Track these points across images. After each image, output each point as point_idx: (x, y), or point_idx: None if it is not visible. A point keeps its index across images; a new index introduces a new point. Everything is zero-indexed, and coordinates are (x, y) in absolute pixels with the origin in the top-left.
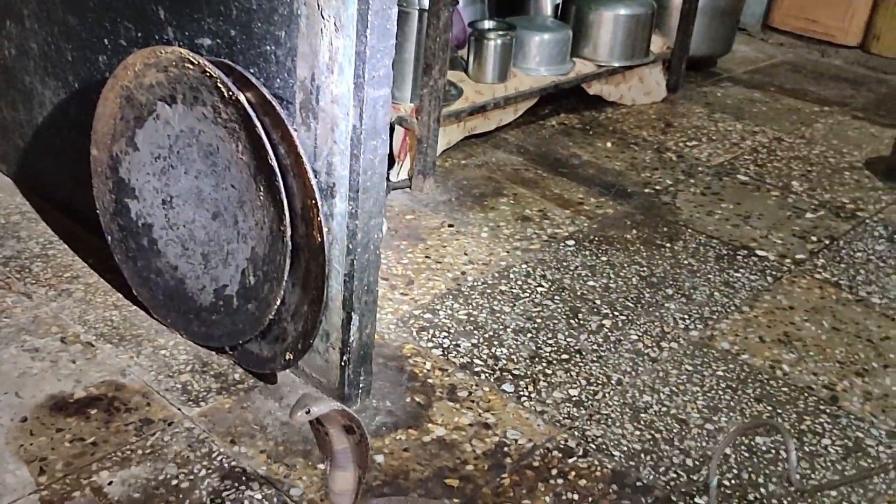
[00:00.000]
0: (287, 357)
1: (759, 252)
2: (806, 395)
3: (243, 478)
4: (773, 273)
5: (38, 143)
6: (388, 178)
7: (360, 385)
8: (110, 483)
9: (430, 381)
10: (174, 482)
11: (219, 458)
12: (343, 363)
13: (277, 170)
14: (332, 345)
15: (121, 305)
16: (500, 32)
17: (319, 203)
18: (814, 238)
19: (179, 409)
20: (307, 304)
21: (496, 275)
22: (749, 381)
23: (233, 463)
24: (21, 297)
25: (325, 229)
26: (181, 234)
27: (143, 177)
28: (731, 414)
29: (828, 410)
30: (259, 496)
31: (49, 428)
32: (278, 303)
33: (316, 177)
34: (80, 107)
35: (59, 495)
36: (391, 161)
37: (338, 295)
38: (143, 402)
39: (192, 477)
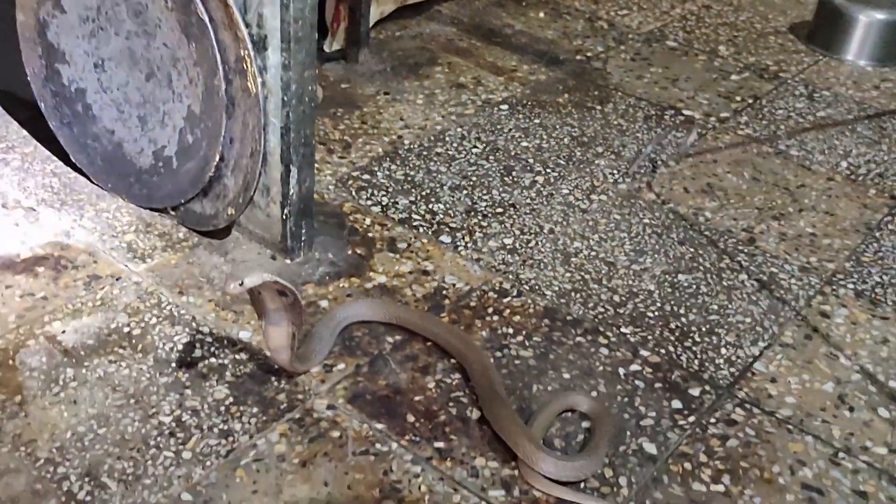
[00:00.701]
0: (229, 212)
1: (685, 112)
2: (726, 237)
3: (193, 324)
4: (698, 131)
5: None
6: (321, 49)
7: (303, 238)
8: (63, 332)
9: (370, 234)
10: (126, 329)
11: (168, 308)
12: (284, 216)
13: (208, 23)
14: (273, 199)
15: (60, 173)
16: None
17: (252, 55)
18: (738, 98)
19: (126, 266)
20: (246, 157)
21: (432, 138)
22: (673, 227)
23: (182, 311)
24: None
25: (259, 81)
26: (116, 98)
27: (73, 40)
28: (656, 256)
29: (745, 250)
30: (209, 340)
31: None
32: (217, 159)
33: (247, 28)
34: None
35: (13, 344)
36: (324, 31)
37: (275, 149)
38: (90, 260)
39: (143, 325)
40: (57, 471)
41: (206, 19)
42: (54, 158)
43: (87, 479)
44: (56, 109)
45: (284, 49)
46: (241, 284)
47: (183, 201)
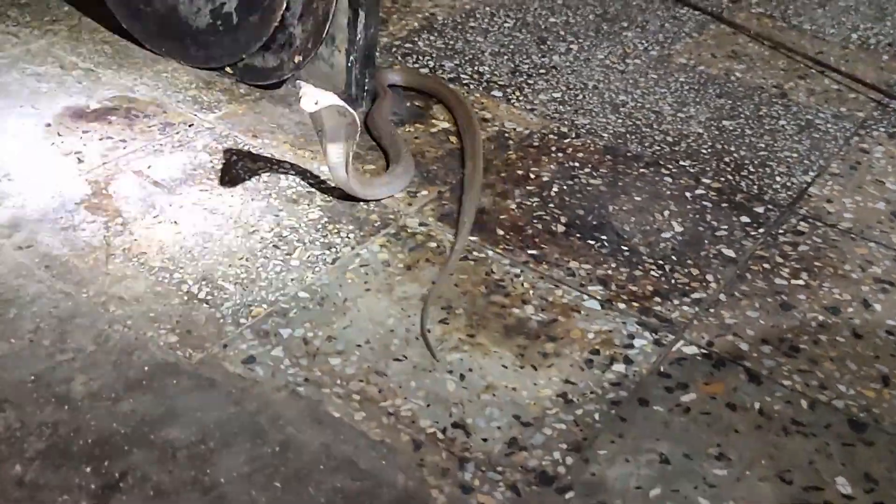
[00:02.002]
0: (296, 60)
1: None
2: (759, 92)
3: (273, 161)
4: (714, 8)
5: None
6: None
7: (366, 87)
8: (149, 167)
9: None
10: (209, 165)
11: (246, 147)
12: (349, 64)
13: None
14: (338, 47)
15: (110, 41)
16: None
17: None
18: None
19: (196, 115)
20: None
21: (463, 15)
22: (708, 84)
23: (260, 150)
24: (7, 36)
25: None
26: None
27: None
28: (698, 106)
29: (780, 102)
30: (293, 173)
31: (74, 131)
32: (283, 8)
33: None
34: None
35: (104, 178)
36: None
37: None
38: (160, 111)
39: (224, 161)
40: (173, 276)
41: None
42: (102, 29)
43: (203, 283)
44: None
45: None
46: (317, 104)
47: (244, 56)
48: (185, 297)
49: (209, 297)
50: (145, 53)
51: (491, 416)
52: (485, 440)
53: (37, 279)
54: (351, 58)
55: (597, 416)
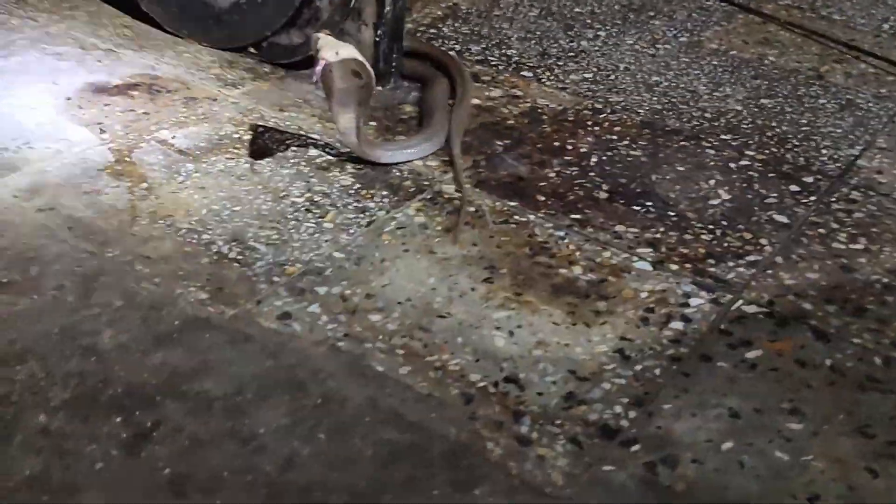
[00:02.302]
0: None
1: None
2: (795, 74)
3: (301, 132)
4: (740, 1)
5: None
6: None
7: (394, 62)
8: (173, 137)
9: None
10: (235, 136)
11: (272, 121)
12: (377, 38)
13: None
14: (365, 21)
15: (130, 25)
16: None
17: None
18: None
19: (220, 91)
20: None
21: (487, 5)
22: (742, 67)
23: (287, 123)
24: (26, 20)
25: None
26: None
27: None
28: (734, 87)
29: (817, 83)
30: (321, 143)
31: (96, 104)
32: None
33: None
34: None
35: (126, 146)
36: None
37: None
38: (183, 87)
39: (250, 132)
40: (202, 238)
41: None
42: (121, 13)
43: (234, 243)
44: None
45: None
46: (337, 54)
47: (268, 34)
48: (215, 257)
49: (240, 257)
50: (166, 36)
51: (544, 371)
52: (540, 394)
53: (59, 239)
54: (379, 31)
55: (657, 372)
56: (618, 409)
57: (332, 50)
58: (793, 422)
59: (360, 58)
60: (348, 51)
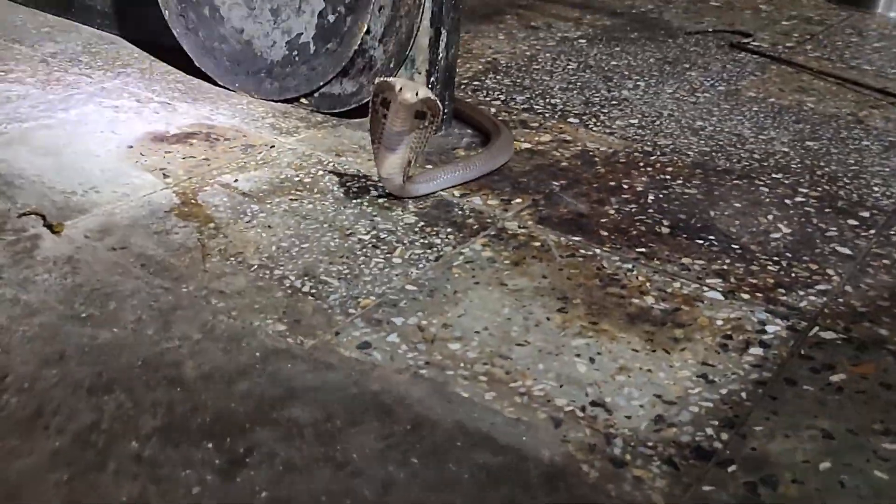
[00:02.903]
0: (377, 82)
1: (753, 42)
2: (836, 119)
3: (359, 175)
4: (771, 54)
5: None
6: None
7: (446, 109)
8: (236, 181)
9: (499, 117)
10: (296, 179)
11: (330, 164)
12: (430, 86)
13: None
14: (419, 69)
15: (182, 80)
16: None
17: None
18: (795, 35)
19: (276, 138)
20: (400, 18)
21: (525, 59)
22: (783, 112)
23: (345, 167)
24: (81, 77)
25: None
26: None
27: None
28: (778, 130)
29: (858, 127)
30: (381, 186)
31: (156, 152)
32: (363, 32)
33: None
34: None
35: (190, 190)
36: None
37: (426, 11)
38: (240, 135)
39: (311, 176)
40: (274, 273)
41: None
42: (173, 70)
43: (306, 278)
44: (181, 16)
45: None
46: (418, 94)
47: (321, 84)
48: (289, 291)
49: (314, 291)
50: (218, 89)
51: (630, 395)
52: (628, 417)
53: (134, 276)
54: (432, 79)
55: (744, 395)
56: (709, 431)
57: (412, 91)
58: (887, 442)
59: (433, 96)
60: (424, 91)
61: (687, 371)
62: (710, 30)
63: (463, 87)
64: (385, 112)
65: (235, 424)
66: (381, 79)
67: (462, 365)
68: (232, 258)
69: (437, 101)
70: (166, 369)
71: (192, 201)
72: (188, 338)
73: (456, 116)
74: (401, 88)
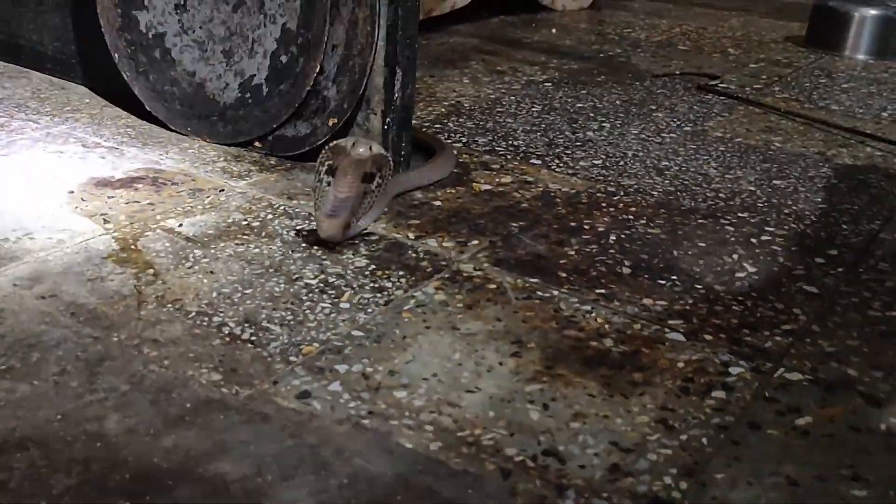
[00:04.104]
0: (331, 123)
1: (720, 84)
2: (803, 158)
3: (311, 218)
4: (739, 95)
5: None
6: None
7: (402, 150)
8: (180, 225)
9: (461, 160)
10: (244, 223)
11: (281, 208)
12: (386, 126)
13: None
14: (374, 109)
15: (133, 125)
16: None
17: None
18: (763, 77)
19: (226, 182)
20: (353, 58)
21: (489, 102)
22: (750, 152)
23: (297, 210)
24: (27, 122)
25: None
26: (198, 37)
27: None
28: (744, 170)
29: (826, 166)
30: None
31: (99, 197)
32: (316, 72)
33: None
34: None
35: (131, 235)
36: None
37: (380, 51)
38: (188, 179)
39: (260, 219)
40: (213, 320)
41: None
42: (124, 115)
43: (247, 325)
44: (131, 59)
45: None
46: (371, 149)
47: (274, 127)
48: (227, 339)
49: (254, 338)
50: (170, 134)
51: (585, 443)
52: (582, 467)
53: (62, 325)
54: (388, 119)
55: (705, 441)
56: (667, 479)
57: (366, 145)
58: (856, 488)
59: (388, 155)
60: (378, 148)
61: (645, 416)
62: (678, 72)
63: (424, 129)
64: (329, 180)
65: (157, 482)
66: (332, 144)
67: (407, 414)
68: (169, 305)
69: (389, 160)
70: (88, 424)
71: (132, 247)
72: (115, 389)
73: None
74: (354, 143)
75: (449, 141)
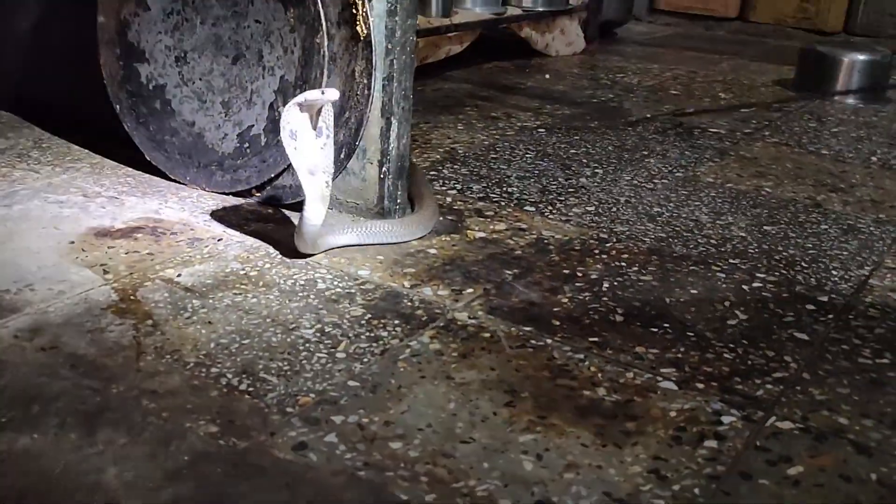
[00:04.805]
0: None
1: (711, 129)
2: (794, 203)
3: (308, 267)
4: (730, 140)
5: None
6: None
7: (398, 199)
8: (179, 276)
9: (455, 207)
10: (242, 272)
11: (278, 257)
12: (382, 175)
13: None
14: (370, 159)
15: (133, 174)
16: None
17: None
18: (754, 121)
19: (225, 231)
20: (350, 109)
21: (483, 149)
22: (741, 197)
23: (294, 259)
24: (29, 172)
25: (370, 20)
26: (197, 88)
27: (154, 37)
28: (735, 215)
29: (816, 211)
30: (330, 276)
31: (99, 248)
32: None
33: None
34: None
35: (130, 286)
36: None
37: (376, 102)
38: (187, 228)
39: (258, 269)
40: (210, 371)
41: None
42: (123, 165)
43: (244, 376)
44: (132, 110)
45: None
46: (323, 93)
47: (272, 176)
48: (225, 390)
49: (251, 389)
50: (169, 183)
51: (578, 493)
52: None
53: (61, 377)
54: (384, 169)
55: (697, 491)
56: None
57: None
58: None
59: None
60: (333, 92)
61: (638, 466)
62: (649, 116)
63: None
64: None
65: None
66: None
67: (402, 465)
68: (168, 356)
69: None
70: (86, 476)
71: (131, 297)
72: (113, 442)
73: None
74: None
75: (444, 188)
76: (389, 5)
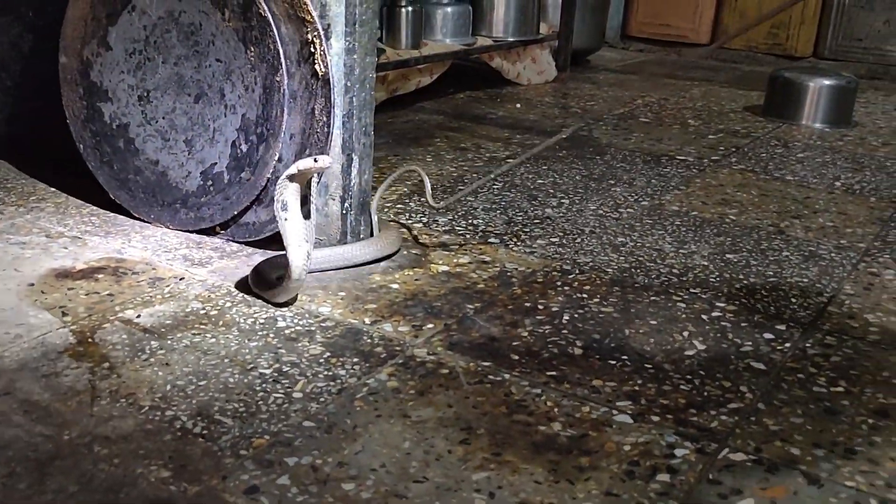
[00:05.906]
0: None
1: (678, 157)
2: (757, 230)
3: (269, 305)
4: (696, 167)
5: None
6: None
7: (361, 234)
8: (138, 316)
9: (420, 240)
10: (202, 312)
11: (239, 296)
12: (344, 211)
13: (271, 19)
14: (332, 195)
15: (97, 213)
16: (410, 2)
17: (322, 35)
18: (721, 148)
19: (187, 270)
20: (311, 146)
21: (452, 180)
22: (705, 225)
23: (255, 298)
24: None
25: (328, 59)
26: (161, 127)
27: (117, 76)
28: (699, 244)
29: (778, 238)
30: (290, 314)
31: (59, 289)
32: (276, 160)
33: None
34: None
35: (88, 328)
36: None
37: (336, 139)
38: (149, 268)
39: (218, 308)
40: (165, 414)
41: (269, 16)
42: (88, 204)
43: (199, 418)
44: (95, 149)
45: (349, 33)
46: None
47: (236, 213)
48: (179, 434)
49: (205, 432)
50: (133, 221)
51: None
52: None
53: (14, 424)
54: (346, 204)
55: None
56: None
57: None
58: None
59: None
60: (325, 159)
61: (590, 503)
62: (616, 144)
63: (387, 209)
64: (286, 216)
65: None
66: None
67: None
68: (122, 399)
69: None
70: None
71: (89, 340)
72: (63, 490)
73: None
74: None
75: (410, 220)
76: (348, 43)
